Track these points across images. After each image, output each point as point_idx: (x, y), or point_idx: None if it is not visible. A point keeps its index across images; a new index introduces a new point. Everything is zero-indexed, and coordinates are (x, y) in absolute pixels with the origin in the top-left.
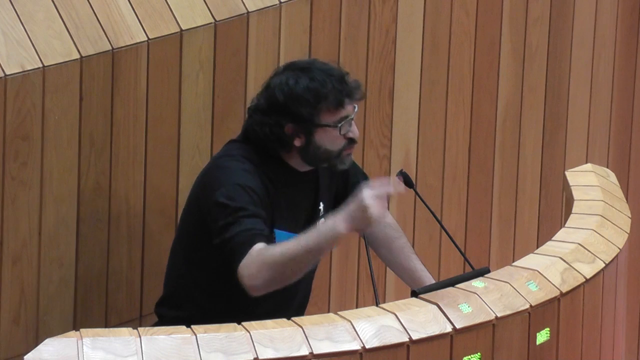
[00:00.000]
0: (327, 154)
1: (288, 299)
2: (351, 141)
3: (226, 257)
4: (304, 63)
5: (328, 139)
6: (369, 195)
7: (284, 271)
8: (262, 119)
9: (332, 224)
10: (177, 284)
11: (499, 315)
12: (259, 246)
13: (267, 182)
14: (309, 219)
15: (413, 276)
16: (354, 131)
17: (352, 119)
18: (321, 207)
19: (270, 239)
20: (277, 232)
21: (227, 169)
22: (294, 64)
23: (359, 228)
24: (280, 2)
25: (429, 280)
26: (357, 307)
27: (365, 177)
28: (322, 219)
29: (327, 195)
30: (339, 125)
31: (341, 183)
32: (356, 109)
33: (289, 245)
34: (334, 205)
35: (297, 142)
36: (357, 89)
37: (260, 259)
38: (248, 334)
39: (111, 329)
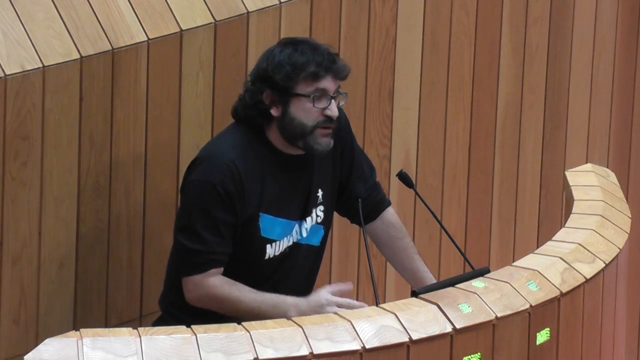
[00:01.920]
0: (302, 128)
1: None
2: (328, 120)
3: (179, 259)
4: (298, 38)
5: (302, 110)
6: (330, 302)
7: (226, 311)
8: (247, 86)
9: (286, 308)
10: (177, 281)
11: (499, 315)
12: (217, 280)
13: (254, 168)
14: (305, 206)
15: (415, 277)
16: (332, 109)
17: (332, 97)
18: (320, 194)
19: (230, 257)
20: (262, 215)
21: (209, 164)
22: (289, 38)
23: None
24: (280, 2)
25: (431, 280)
26: None
27: (371, 170)
28: (320, 206)
29: (328, 182)
30: (312, 96)
31: (345, 171)
32: (342, 92)
33: (244, 300)
34: (339, 192)
35: (274, 112)
36: (340, 68)
37: (213, 294)
38: (248, 333)
39: (111, 329)
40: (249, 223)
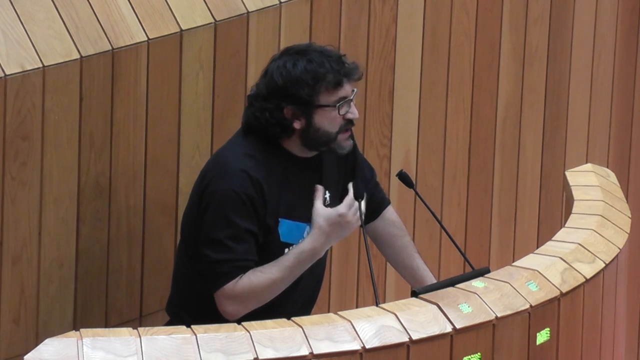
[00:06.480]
0: (327, 136)
1: (294, 293)
2: (349, 122)
3: (203, 272)
4: (300, 47)
5: (327, 120)
6: (347, 213)
7: (267, 298)
8: (262, 104)
9: (312, 250)
10: (187, 286)
11: (499, 315)
12: (244, 282)
13: (270, 174)
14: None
15: (415, 275)
16: (353, 112)
17: (351, 100)
18: (327, 195)
19: (256, 264)
20: (281, 221)
21: (227, 173)
22: (291, 49)
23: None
24: (280, 2)
25: (431, 279)
26: (357, 307)
27: (371, 171)
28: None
29: (333, 184)
30: (338, 105)
31: (349, 175)
32: (355, 91)
33: (273, 274)
34: (341, 195)
35: (297, 125)
36: (355, 70)
37: (247, 294)
38: (248, 334)
39: (111, 329)
40: (270, 230)
